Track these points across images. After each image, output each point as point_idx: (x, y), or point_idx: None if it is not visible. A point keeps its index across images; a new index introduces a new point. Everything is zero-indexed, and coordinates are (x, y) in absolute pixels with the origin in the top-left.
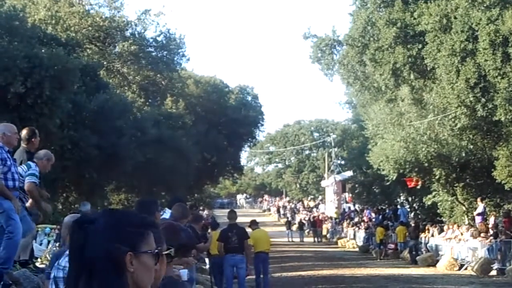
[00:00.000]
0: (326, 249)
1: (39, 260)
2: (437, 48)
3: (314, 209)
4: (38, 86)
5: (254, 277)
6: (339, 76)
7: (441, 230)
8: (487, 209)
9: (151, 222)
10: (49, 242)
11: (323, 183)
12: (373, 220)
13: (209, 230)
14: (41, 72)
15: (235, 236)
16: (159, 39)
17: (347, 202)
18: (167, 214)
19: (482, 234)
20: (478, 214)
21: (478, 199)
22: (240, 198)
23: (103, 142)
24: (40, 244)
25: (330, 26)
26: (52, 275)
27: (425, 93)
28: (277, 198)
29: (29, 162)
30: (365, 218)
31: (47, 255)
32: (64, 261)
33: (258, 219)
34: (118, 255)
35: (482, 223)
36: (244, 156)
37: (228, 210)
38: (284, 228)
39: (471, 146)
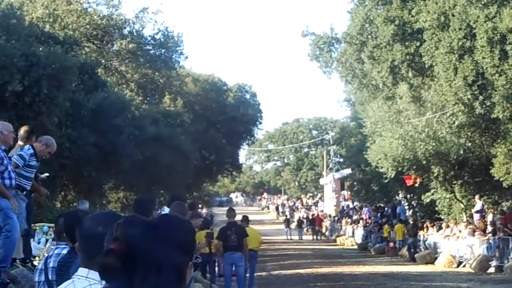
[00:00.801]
0: (324, 247)
1: (37, 258)
2: (435, 46)
3: (313, 207)
4: (36, 85)
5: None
6: (338, 74)
7: (439, 228)
8: (485, 206)
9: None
10: (47, 240)
11: (322, 181)
12: (372, 218)
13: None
14: (39, 71)
15: (234, 234)
16: (157, 37)
17: (345, 200)
18: (165, 212)
19: (479, 232)
20: (477, 212)
21: (476, 197)
22: (237, 196)
23: (102, 141)
24: (38, 243)
25: (328, 24)
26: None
27: (423, 90)
28: (276, 196)
29: (25, 145)
30: (363, 216)
31: (45, 254)
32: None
33: (257, 217)
34: (183, 264)
35: (480, 220)
36: (243, 154)
37: (226, 208)
38: (282, 226)
39: (469, 144)
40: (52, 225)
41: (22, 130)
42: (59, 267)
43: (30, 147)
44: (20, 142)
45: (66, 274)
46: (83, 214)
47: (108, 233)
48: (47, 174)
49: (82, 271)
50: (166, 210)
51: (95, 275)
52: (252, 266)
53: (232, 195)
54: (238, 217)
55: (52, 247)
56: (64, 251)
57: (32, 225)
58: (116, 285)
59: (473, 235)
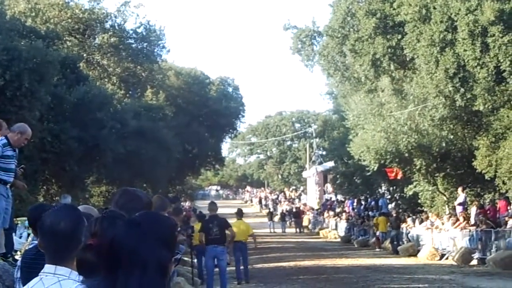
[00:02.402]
0: (308, 240)
1: (18, 253)
2: (416, 39)
3: (296, 200)
4: (17, 79)
5: (234, 268)
6: (320, 67)
7: (421, 221)
8: (468, 198)
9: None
10: (28, 234)
11: (305, 174)
12: (355, 210)
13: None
14: (20, 65)
15: (216, 227)
16: (139, 30)
17: (328, 193)
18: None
19: (461, 224)
20: (459, 204)
21: (459, 189)
22: (217, 190)
23: (84, 135)
24: (20, 237)
25: (310, 17)
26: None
27: (405, 83)
28: (256, 190)
29: None
30: (346, 209)
31: (27, 248)
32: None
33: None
34: (167, 260)
35: (463, 212)
36: (226, 147)
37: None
38: (266, 219)
39: (451, 136)
40: None
41: None
42: (24, 263)
43: (3, 138)
44: None
45: (35, 271)
46: (49, 208)
47: (85, 228)
48: (23, 166)
49: (48, 267)
50: None
51: (63, 270)
52: (244, 257)
53: (211, 188)
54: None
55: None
56: None
57: (14, 219)
58: (100, 281)
59: (456, 227)
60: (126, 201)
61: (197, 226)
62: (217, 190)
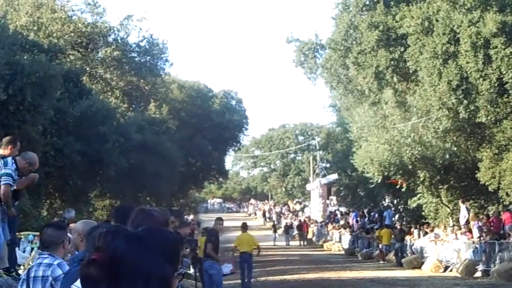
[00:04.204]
0: (311, 252)
1: (22, 267)
2: (419, 51)
3: (300, 213)
4: (20, 93)
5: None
6: (323, 80)
7: (425, 233)
8: (471, 211)
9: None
10: (32, 249)
11: (308, 187)
12: (359, 222)
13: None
14: (23, 79)
15: (208, 242)
16: (142, 44)
17: (332, 206)
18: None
19: (465, 235)
20: (463, 216)
21: (460, 201)
22: (214, 203)
23: (87, 148)
24: (24, 252)
25: (312, 30)
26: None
27: (408, 95)
28: (260, 203)
29: (6, 158)
30: (350, 221)
31: (30, 262)
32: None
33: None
34: (170, 274)
35: (466, 225)
36: (229, 160)
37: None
38: (270, 232)
39: (455, 148)
40: (38, 233)
41: (4, 139)
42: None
43: (13, 161)
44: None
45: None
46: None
47: (90, 243)
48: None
49: None
50: None
51: None
52: (248, 267)
53: (215, 200)
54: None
55: (37, 256)
56: (46, 261)
57: (17, 233)
58: None
59: (459, 238)
60: (142, 220)
61: (201, 240)
62: (220, 204)
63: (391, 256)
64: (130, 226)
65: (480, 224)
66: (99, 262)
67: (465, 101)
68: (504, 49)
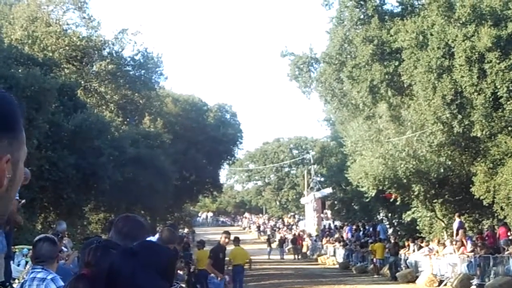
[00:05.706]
0: (306, 266)
1: (16, 281)
2: (413, 65)
3: (294, 226)
4: None
5: None
6: (317, 94)
7: (419, 247)
8: (466, 225)
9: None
10: (26, 262)
11: (303, 200)
12: (354, 236)
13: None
14: (18, 92)
15: (208, 257)
16: (136, 58)
17: (327, 219)
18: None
19: (460, 249)
20: (457, 230)
21: (456, 215)
22: (206, 217)
23: (81, 162)
24: (18, 265)
25: (307, 44)
26: None
27: (403, 110)
28: (254, 216)
29: None
30: (344, 235)
31: (25, 276)
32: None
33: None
34: None
35: (461, 238)
36: (224, 174)
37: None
38: (264, 246)
39: (449, 162)
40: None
41: None
42: None
43: None
44: None
45: None
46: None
47: (80, 258)
48: (23, 201)
49: None
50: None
51: None
52: (240, 280)
53: (208, 214)
54: (207, 237)
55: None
56: (40, 275)
57: (12, 247)
58: None
59: (460, 253)
60: (131, 228)
61: (202, 253)
62: (212, 217)
63: (386, 270)
64: (116, 235)
65: (473, 239)
66: (88, 278)
67: (460, 116)
68: (499, 63)
